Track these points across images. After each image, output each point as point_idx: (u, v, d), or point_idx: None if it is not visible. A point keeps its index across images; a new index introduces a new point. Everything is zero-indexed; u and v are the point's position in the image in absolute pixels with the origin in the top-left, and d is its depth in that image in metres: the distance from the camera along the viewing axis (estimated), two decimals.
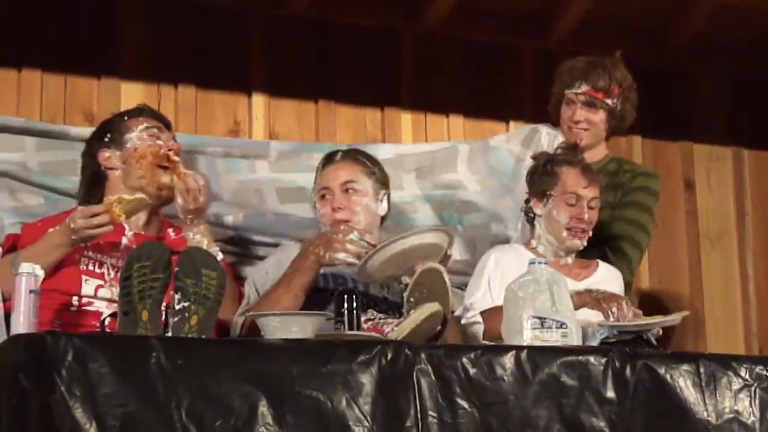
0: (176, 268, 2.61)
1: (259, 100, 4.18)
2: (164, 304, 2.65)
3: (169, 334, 2.57)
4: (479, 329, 3.32)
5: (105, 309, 3.11)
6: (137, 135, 3.36)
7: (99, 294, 3.17)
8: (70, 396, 2.23)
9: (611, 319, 3.12)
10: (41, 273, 2.68)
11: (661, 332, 3.19)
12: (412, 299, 2.92)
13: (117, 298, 2.69)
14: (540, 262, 2.86)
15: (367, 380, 2.44)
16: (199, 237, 3.29)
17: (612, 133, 3.89)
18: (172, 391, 2.30)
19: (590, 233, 3.48)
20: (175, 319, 2.58)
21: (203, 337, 2.59)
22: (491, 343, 3.08)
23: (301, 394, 2.38)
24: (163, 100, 4.02)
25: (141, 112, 3.44)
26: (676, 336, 4.47)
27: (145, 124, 3.38)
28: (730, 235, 4.81)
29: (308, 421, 2.37)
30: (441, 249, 3.12)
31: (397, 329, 2.77)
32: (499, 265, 3.43)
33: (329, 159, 3.50)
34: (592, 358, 2.63)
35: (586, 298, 3.21)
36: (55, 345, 2.25)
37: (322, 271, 3.22)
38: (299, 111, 4.24)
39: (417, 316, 2.78)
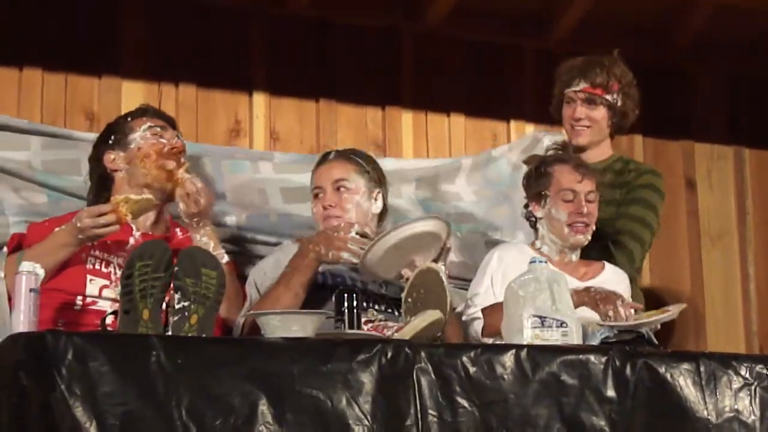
0: (176, 268, 2.61)
1: (259, 99, 4.18)
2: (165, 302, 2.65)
3: (170, 333, 2.57)
4: (480, 325, 3.33)
5: (109, 308, 3.09)
6: (140, 135, 3.35)
7: (104, 294, 3.17)
8: (70, 394, 2.23)
9: (608, 321, 3.12)
10: (42, 272, 2.68)
11: (659, 325, 3.19)
12: (409, 300, 2.92)
13: None
14: (540, 261, 2.86)
15: (367, 379, 2.44)
16: (206, 239, 3.29)
17: (615, 130, 3.88)
18: (172, 389, 2.30)
19: (593, 227, 3.47)
20: (175, 318, 2.58)
21: (203, 336, 2.59)
22: (491, 342, 3.08)
23: (301, 393, 2.38)
24: (164, 99, 4.02)
25: (144, 112, 3.44)
26: (677, 335, 4.47)
27: (149, 124, 3.38)
28: (731, 234, 4.81)
29: (308, 419, 2.37)
30: (440, 239, 3.12)
31: (397, 335, 2.76)
32: (502, 262, 3.43)
33: (323, 158, 3.52)
34: (592, 357, 2.63)
35: (584, 297, 3.20)
36: (56, 343, 2.25)
37: (320, 268, 3.22)
38: (300, 110, 4.24)
39: (418, 323, 2.77)
